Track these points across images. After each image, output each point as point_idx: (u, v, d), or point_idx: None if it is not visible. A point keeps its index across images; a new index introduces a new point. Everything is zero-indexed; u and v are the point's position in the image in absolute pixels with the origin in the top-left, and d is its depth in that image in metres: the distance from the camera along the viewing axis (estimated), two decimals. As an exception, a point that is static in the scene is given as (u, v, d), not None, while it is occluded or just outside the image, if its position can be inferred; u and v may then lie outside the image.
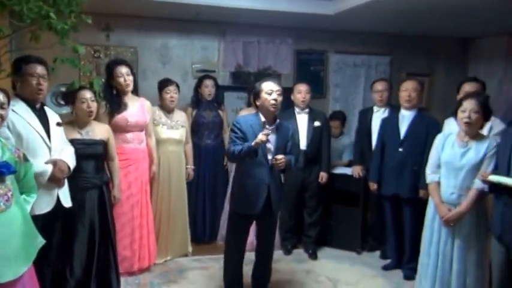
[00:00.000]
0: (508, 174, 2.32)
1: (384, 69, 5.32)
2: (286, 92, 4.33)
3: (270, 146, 2.81)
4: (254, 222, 3.01)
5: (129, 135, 3.33)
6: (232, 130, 2.86)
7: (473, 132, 2.61)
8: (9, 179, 1.90)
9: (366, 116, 4.01)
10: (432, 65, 5.56)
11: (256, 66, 4.86)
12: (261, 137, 2.64)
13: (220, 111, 4.21)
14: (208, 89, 4.10)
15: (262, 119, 2.80)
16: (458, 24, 4.47)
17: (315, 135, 3.86)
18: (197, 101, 4.16)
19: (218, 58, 4.81)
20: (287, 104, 4.37)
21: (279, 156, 2.74)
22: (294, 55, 5.02)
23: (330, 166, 3.99)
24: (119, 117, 3.26)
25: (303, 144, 3.85)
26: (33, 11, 2.26)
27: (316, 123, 3.86)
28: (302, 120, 3.88)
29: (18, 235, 1.90)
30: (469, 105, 2.56)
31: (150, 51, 4.62)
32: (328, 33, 5.06)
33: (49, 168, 2.36)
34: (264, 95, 2.79)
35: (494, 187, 2.39)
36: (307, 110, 3.90)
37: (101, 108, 3.17)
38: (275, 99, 2.77)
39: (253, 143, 2.67)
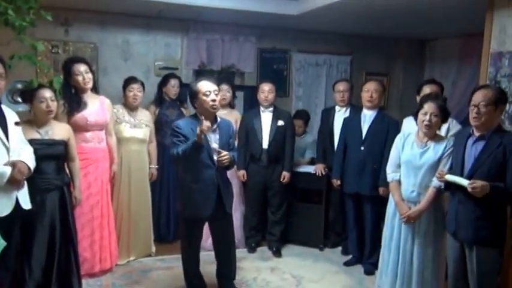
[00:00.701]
0: (461, 173, 2.43)
1: (344, 68, 5.44)
2: (251, 91, 4.38)
3: (215, 146, 2.80)
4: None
5: (88, 135, 3.24)
6: (173, 134, 2.79)
7: (432, 133, 2.72)
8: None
9: (328, 115, 4.08)
10: (390, 65, 5.73)
11: (219, 64, 4.84)
12: (199, 130, 2.58)
13: (183, 109, 4.16)
14: (174, 89, 4.06)
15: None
16: (415, 26, 4.63)
17: (278, 134, 3.88)
18: (160, 99, 4.10)
19: (181, 55, 4.75)
20: (252, 103, 4.41)
21: (224, 153, 2.74)
22: (257, 53, 5.04)
23: (293, 165, 4.03)
24: (78, 116, 3.17)
25: (265, 142, 3.87)
26: (-9, 8, 2.16)
27: (280, 122, 3.88)
28: (266, 118, 3.91)
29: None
30: (429, 109, 2.66)
31: (110, 48, 4.48)
32: (292, 32, 5.11)
33: (8, 170, 2.27)
34: (201, 97, 2.75)
35: (449, 185, 2.50)
36: (271, 108, 3.93)
37: (59, 108, 3.06)
38: (213, 100, 2.74)
39: (195, 138, 2.61)
